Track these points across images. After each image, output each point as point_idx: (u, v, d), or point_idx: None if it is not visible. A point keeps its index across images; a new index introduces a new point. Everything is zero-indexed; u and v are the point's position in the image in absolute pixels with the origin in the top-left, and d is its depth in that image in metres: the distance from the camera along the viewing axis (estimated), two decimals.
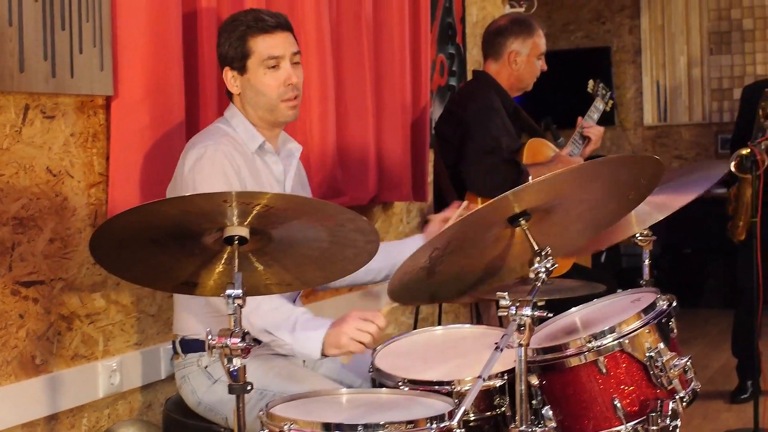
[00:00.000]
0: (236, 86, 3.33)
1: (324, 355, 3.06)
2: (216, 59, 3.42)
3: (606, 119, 9.60)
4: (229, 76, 3.33)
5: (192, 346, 3.29)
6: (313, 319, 3.09)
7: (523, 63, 4.76)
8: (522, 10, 6.93)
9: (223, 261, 2.59)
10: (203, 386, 3.26)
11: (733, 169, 5.63)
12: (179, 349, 3.33)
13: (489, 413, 2.89)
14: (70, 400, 3.44)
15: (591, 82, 5.02)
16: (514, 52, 4.74)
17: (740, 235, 5.99)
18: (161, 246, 2.51)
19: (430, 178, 5.33)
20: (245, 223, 2.47)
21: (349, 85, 4.74)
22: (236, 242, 2.48)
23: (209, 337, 2.41)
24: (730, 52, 10.13)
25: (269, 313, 3.07)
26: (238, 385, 2.44)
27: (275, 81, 3.29)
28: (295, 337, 3.08)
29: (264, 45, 3.28)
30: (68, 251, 3.41)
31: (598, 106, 4.96)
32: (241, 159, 3.25)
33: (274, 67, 3.29)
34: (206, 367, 3.26)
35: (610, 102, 5.04)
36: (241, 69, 3.30)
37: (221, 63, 3.34)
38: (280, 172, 3.42)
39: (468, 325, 3.59)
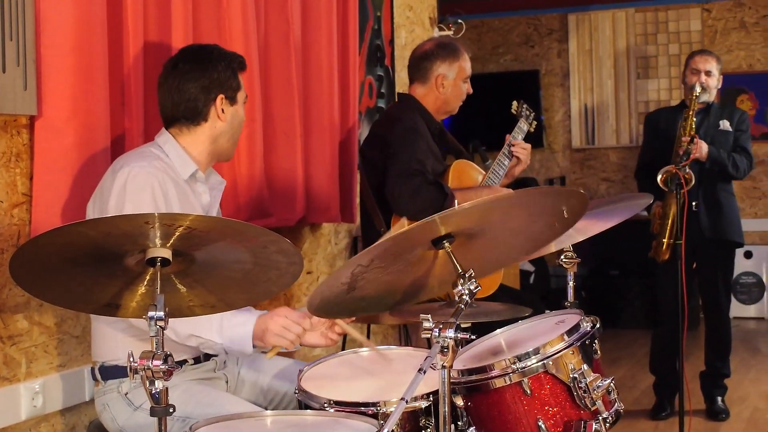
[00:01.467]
0: (224, 114, 3.39)
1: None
2: (141, 81, 3.41)
3: (534, 141, 9.70)
4: (220, 103, 3.37)
5: (111, 372, 3.27)
6: (237, 314, 3.12)
7: (450, 86, 4.78)
8: (451, 33, 6.96)
9: (145, 282, 2.57)
10: (124, 414, 3.23)
11: (660, 184, 5.72)
12: (98, 376, 3.30)
13: None
14: None
15: (515, 103, 5.06)
16: (441, 76, 4.76)
17: (664, 255, 6.08)
18: (83, 267, 2.48)
19: (358, 199, 5.33)
20: (168, 245, 2.46)
21: (277, 106, 4.73)
22: (158, 264, 2.47)
23: (131, 359, 2.39)
24: (657, 77, 10.28)
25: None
26: (161, 407, 2.42)
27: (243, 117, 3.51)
28: (224, 337, 3.12)
29: (243, 83, 3.45)
30: None
31: (522, 127, 5.00)
32: (171, 183, 3.24)
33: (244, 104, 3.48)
34: (126, 393, 3.23)
35: (534, 123, 5.07)
36: (233, 100, 3.40)
37: (211, 89, 3.36)
38: (207, 203, 3.44)
39: (395, 347, 3.59)
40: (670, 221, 6.01)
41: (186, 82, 3.34)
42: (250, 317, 3.14)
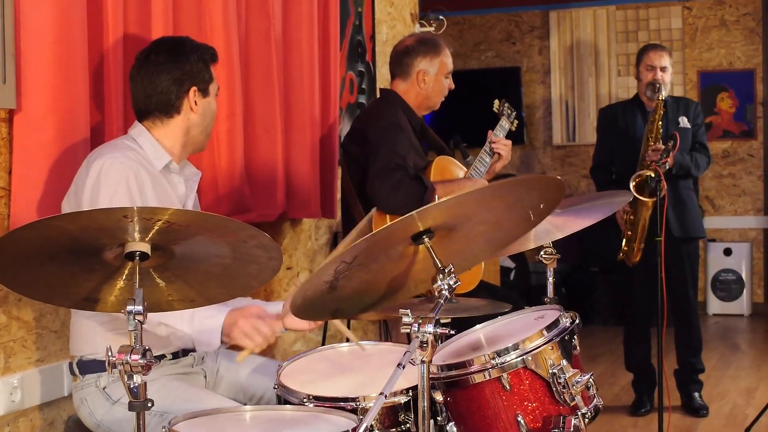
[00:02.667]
0: (197, 106, 3.38)
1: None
2: (121, 75, 3.39)
3: (515, 138, 9.72)
4: (192, 95, 3.36)
5: (90, 366, 3.26)
6: (209, 307, 3.09)
7: (431, 82, 4.78)
8: (432, 29, 6.96)
9: (124, 277, 2.56)
10: (102, 408, 3.22)
11: (633, 191, 5.74)
12: (77, 371, 3.29)
13: (394, 429, 2.90)
14: None
15: (496, 102, 5.07)
16: (422, 72, 4.76)
17: (635, 258, 6.12)
18: (61, 261, 2.47)
19: (339, 195, 5.33)
20: (146, 239, 2.45)
21: (258, 101, 4.72)
22: (137, 258, 2.46)
23: (109, 353, 2.38)
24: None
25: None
26: (139, 402, 2.41)
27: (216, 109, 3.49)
28: (193, 328, 3.11)
29: (214, 74, 3.45)
30: None
31: (504, 125, 5.01)
32: (147, 175, 3.23)
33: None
34: (105, 388, 3.23)
35: (515, 122, 5.09)
36: (205, 92, 3.39)
37: (183, 81, 3.35)
38: (182, 193, 3.44)
39: (375, 342, 3.60)
40: (641, 226, 6.03)
41: (158, 74, 3.33)
42: (221, 309, 3.13)
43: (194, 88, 3.35)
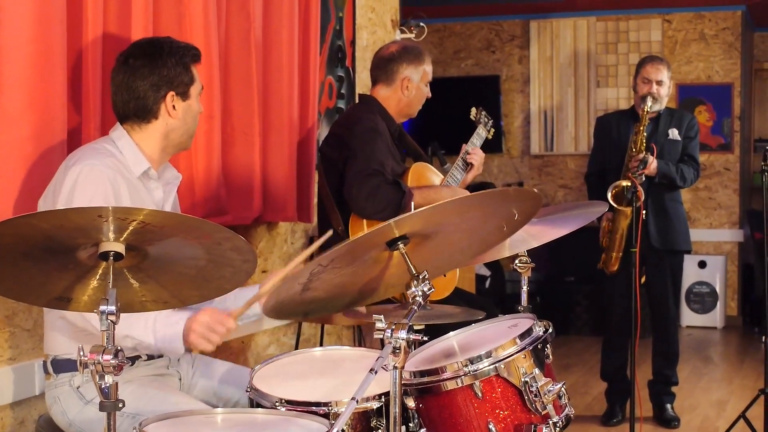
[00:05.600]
0: (175, 111, 3.34)
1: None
2: (100, 74, 3.37)
3: (493, 147, 9.76)
4: (170, 100, 3.32)
5: (63, 365, 3.24)
6: (171, 314, 3.09)
7: (414, 89, 4.79)
8: (413, 36, 6.97)
9: (97, 276, 2.56)
10: (75, 407, 3.20)
11: (611, 200, 5.77)
12: (50, 369, 3.27)
13: None
14: None
15: (473, 110, 5.09)
16: (407, 78, 4.77)
17: (613, 267, 6.15)
18: (34, 260, 2.46)
19: (316, 199, 5.33)
20: (121, 239, 2.45)
21: (236, 104, 4.71)
22: (111, 258, 2.45)
23: (81, 353, 2.37)
24: (617, 85, 10.35)
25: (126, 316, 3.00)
26: (110, 402, 2.40)
27: (200, 109, 3.43)
28: (156, 337, 3.09)
29: (198, 75, 3.40)
30: None
31: (481, 133, 5.03)
32: (123, 181, 3.22)
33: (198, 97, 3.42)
34: (78, 387, 3.21)
35: (492, 130, 5.10)
36: (185, 95, 3.35)
37: (161, 86, 3.31)
38: (159, 198, 3.41)
39: (348, 347, 3.59)
40: (619, 235, 6.06)
41: (135, 80, 3.30)
42: (182, 317, 3.11)
43: (172, 93, 3.32)
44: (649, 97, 6.06)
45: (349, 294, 2.99)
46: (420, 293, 2.69)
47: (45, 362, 3.30)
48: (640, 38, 10.31)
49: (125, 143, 3.31)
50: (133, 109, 3.32)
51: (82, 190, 3.10)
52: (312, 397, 2.91)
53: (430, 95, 4.89)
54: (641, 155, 5.90)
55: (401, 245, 2.73)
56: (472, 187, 5.09)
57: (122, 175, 3.23)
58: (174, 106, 3.33)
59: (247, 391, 3.04)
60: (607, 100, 10.34)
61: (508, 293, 9.64)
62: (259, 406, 2.94)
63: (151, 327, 3.08)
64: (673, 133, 6.28)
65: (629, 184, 5.66)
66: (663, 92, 6.21)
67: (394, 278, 2.94)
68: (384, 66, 4.84)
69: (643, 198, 5.58)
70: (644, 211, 6.06)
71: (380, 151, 4.51)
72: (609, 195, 5.83)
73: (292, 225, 5.67)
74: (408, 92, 4.79)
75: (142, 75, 3.29)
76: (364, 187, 4.36)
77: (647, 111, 6.00)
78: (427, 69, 4.84)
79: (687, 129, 6.33)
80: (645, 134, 6.01)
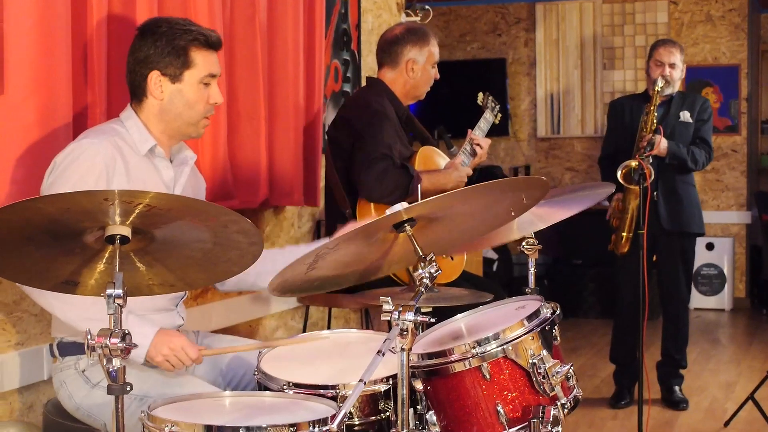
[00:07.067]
0: (161, 92, 3.28)
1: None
2: (105, 58, 3.36)
3: (500, 130, 9.75)
4: (155, 80, 3.27)
5: (70, 349, 3.24)
6: (139, 324, 3.08)
7: (419, 71, 4.78)
8: (418, 19, 6.95)
9: (104, 260, 2.55)
10: (81, 391, 3.21)
11: (620, 180, 5.76)
12: (56, 352, 3.27)
13: (374, 417, 2.90)
14: None
15: (480, 95, 5.07)
16: (412, 61, 4.76)
17: (624, 248, 6.13)
18: (40, 244, 2.46)
19: (322, 183, 5.32)
20: (127, 222, 2.44)
21: (242, 88, 4.70)
22: (118, 241, 2.45)
23: (89, 337, 2.37)
24: (623, 68, 10.32)
25: (91, 306, 2.97)
26: (118, 385, 2.41)
27: (205, 97, 3.33)
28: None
29: (206, 61, 3.31)
30: None
31: (488, 118, 5.02)
32: (122, 159, 3.20)
33: (207, 84, 3.32)
34: (84, 371, 3.21)
35: (499, 115, 5.09)
36: (175, 78, 3.28)
37: (144, 65, 3.27)
38: (170, 178, 3.39)
39: (355, 330, 3.59)
40: (629, 215, 6.05)
41: (130, 54, 3.31)
42: (149, 332, 3.11)
43: (155, 72, 3.27)
44: (660, 78, 6.04)
45: (353, 272, 3.00)
46: (427, 275, 2.69)
47: (51, 345, 3.30)
48: (647, 20, 10.28)
49: (133, 123, 3.30)
50: (129, 84, 3.33)
51: (75, 169, 3.09)
52: (319, 380, 2.91)
53: (438, 77, 4.87)
54: (650, 136, 5.89)
55: (408, 227, 2.73)
56: (479, 171, 5.09)
57: (123, 153, 3.22)
58: (161, 88, 3.28)
59: (254, 374, 3.04)
60: (613, 82, 10.32)
61: (516, 276, 9.63)
62: (266, 389, 2.95)
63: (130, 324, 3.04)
64: (685, 116, 6.25)
65: (637, 164, 5.65)
66: (676, 75, 6.20)
67: (398, 256, 2.95)
68: (388, 48, 4.83)
69: (651, 179, 5.57)
70: (654, 192, 6.05)
71: (388, 135, 4.50)
72: (619, 174, 5.82)
73: (299, 209, 5.66)
74: (413, 74, 4.78)
75: (133, 50, 3.30)
76: (373, 171, 4.35)
77: (658, 91, 5.98)
78: (433, 50, 4.82)
79: (700, 112, 6.31)
80: (656, 115, 6.00)
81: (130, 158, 3.23)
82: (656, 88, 5.98)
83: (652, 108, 5.98)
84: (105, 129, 3.28)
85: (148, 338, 3.09)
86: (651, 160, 5.80)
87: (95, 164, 3.12)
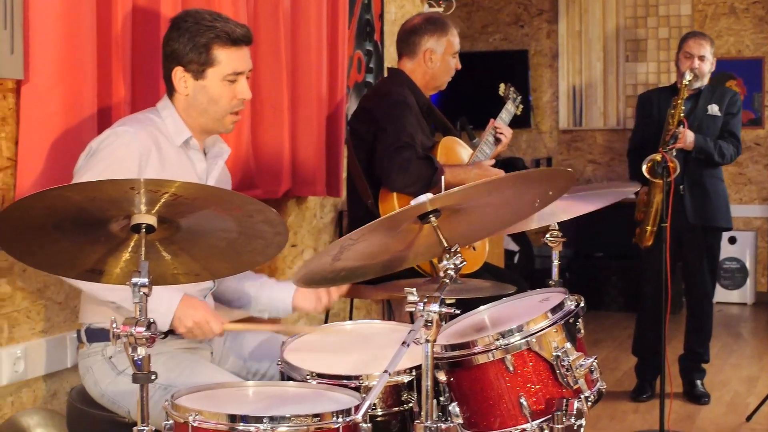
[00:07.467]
0: (185, 88, 3.28)
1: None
2: (129, 49, 3.36)
3: (522, 122, 9.73)
4: (179, 76, 3.27)
5: (98, 335, 3.24)
6: (163, 288, 3.04)
7: (438, 61, 4.77)
8: (441, 9, 6.94)
9: (129, 249, 2.56)
10: (107, 377, 3.21)
11: (645, 173, 5.74)
12: (84, 338, 3.27)
13: (396, 408, 2.90)
14: None
15: (502, 86, 5.07)
16: (430, 50, 4.75)
17: (648, 241, 6.10)
18: (67, 232, 2.47)
19: (344, 173, 5.32)
20: (153, 211, 2.45)
21: (265, 78, 4.71)
22: (143, 230, 2.46)
23: (113, 325, 2.38)
24: (646, 60, 10.27)
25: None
26: (143, 374, 2.41)
27: (231, 93, 3.30)
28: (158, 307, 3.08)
29: (230, 59, 3.27)
30: None
31: (510, 109, 5.02)
32: (157, 150, 3.21)
33: (233, 81, 3.29)
34: (111, 357, 3.22)
35: (521, 106, 5.09)
36: (198, 74, 3.27)
37: (170, 59, 3.27)
38: (202, 170, 3.39)
39: (378, 321, 3.60)
40: (654, 209, 6.02)
41: (162, 46, 3.31)
42: (176, 294, 3.12)
43: (179, 67, 3.26)
44: (688, 71, 6.00)
45: (378, 263, 2.99)
46: (452, 266, 2.68)
47: (79, 331, 3.31)
48: (670, 12, 10.22)
49: (169, 113, 3.31)
50: (163, 76, 3.33)
51: (109, 154, 3.11)
52: (343, 370, 2.91)
53: (459, 67, 4.86)
54: (674, 129, 5.85)
55: (433, 218, 2.72)
56: (501, 163, 5.08)
57: (159, 144, 3.23)
58: (185, 84, 3.28)
59: (278, 364, 3.04)
60: (636, 74, 10.27)
61: (537, 268, 9.62)
62: (290, 379, 2.95)
63: (156, 296, 3.08)
64: (713, 109, 6.19)
65: (661, 158, 5.63)
66: (705, 68, 6.14)
67: (424, 247, 2.94)
68: (407, 39, 4.83)
69: (677, 173, 5.54)
70: (681, 186, 6.01)
71: (410, 125, 4.49)
72: (644, 168, 5.80)
73: (321, 199, 5.67)
74: (432, 64, 4.77)
75: (164, 42, 3.31)
76: (396, 161, 4.35)
77: (686, 85, 5.94)
78: (452, 40, 4.80)
79: (729, 105, 6.25)
80: (683, 108, 5.96)
81: (165, 149, 3.24)
82: (684, 82, 5.94)
83: (679, 102, 5.95)
84: (141, 118, 3.28)
85: (172, 307, 3.11)
86: (675, 153, 5.77)
87: (130, 152, 3.13)
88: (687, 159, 6.03)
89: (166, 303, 3.09)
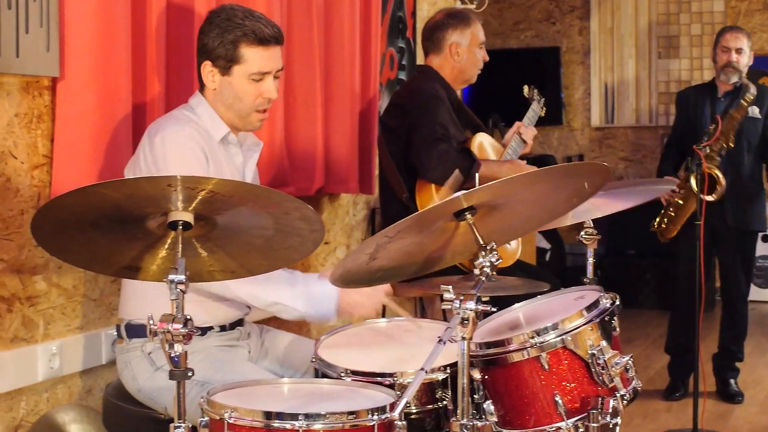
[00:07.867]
0: (213, 82, 3.30)
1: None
2: (164, 45, 3.37)
3: (553, 119, 9.71)
4: (207, 70, 3.30)
5: (137, 331, 3.26)
6: (319, 283, 3.23)
7: (464, 54, 4.78)
8: (473, 6, 6.92)
9: (166, 246, 2.57)
10: (145, 373, 3.23)
11: (694, 187, 5.63)
12: (124, 334, 3.29)
13: (431, 406, 2.89)
14: (8, 383, 3.39)
15: (526, 87, 5.10)
16: (455, 44, 4.76)
17: (670, 234, 6.06)
18: (103, 229, 2.48)
19: (377, 171, 5.32)
20: (190, 209, 2.45)
21: (298, 75, 4.71)
22: (180, 227, 2.46)
23: (151, 322, 2.38)
24: (678, 57, 10.22)
25: (264, 282, 3.14)
26: (179, 371, 2.42)
27: (256, 91, 3.31)
28: (307, 306, 3.23)
29: (256, 57, 3.27)
30: (10, 233, 3.37)
31: (536, 109, 5.05)
32: (206, 146, 3.23)
33: (259, 80, 3.29)
34: (150, 353, 3.23)
35: (544, 108, 5.10)
36: (225, 70, 3.29)
37: (201, 53, 3.30)
38: (239, 163, 3.42)
39: (411, 318, 3.59)
40: (686, 212, 5.95)
41: (196, 41, 3.34)
42: (333, 292, 3.22)
43: (207, 62, 3.29)
44: (721, 72, 5.97)
45: (415, 262, 2.99)
46: (488, 264, 2.67)
47: (119, 326, 3.33)
48: (702, 9, 10.17)
49: (204, 109, 3.33)
50: (196, 69, 3.35)
51: (174, 156, 3.13)
52: (377, 367, 2.91)
53: (486, 58, 4.86)
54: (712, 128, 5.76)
55: (468, 216, 2.71)
56: (532, 160, 5.09)
57: (204, 139, 3.25)
58: (212, 78, 3.30)
59: (312, 361, 3.05)
60: (669, 71, 10.22)
61: (569, 266, 9.59)
62: (324, 376, 2.95)
63: (300, 293, 3.21)
64: (753, 111, 6.03)
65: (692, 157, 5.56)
66: (743, 61, 6.08)
67: (461, 246, 2.93)
68: (431, 35, 4.84)
69: (722, 187, 5.54)
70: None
71: (443, 118, 4.51)
72: (692, 183, 5.69)
73: (353, 197, 5.67)
74: (459, 57, 4.78)
75: (198, 36, 3.33)
76: (434, 152, 4.36)
77: (734, 84, 5.93)
78: (476, 32, 4.81)
79: None
80: (723, 102, 5.95)
81: (209, 145, 3.26)
82: (731, 80, 5.93)
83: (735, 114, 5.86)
84: (179, 117, 3.30)
85: (333, 295, 3.24)
86: (707, 151, 5.66)
87: (194, 148, 3.17)
88: (730, 159, 5.95)
89: (323, 299, 3.23)
